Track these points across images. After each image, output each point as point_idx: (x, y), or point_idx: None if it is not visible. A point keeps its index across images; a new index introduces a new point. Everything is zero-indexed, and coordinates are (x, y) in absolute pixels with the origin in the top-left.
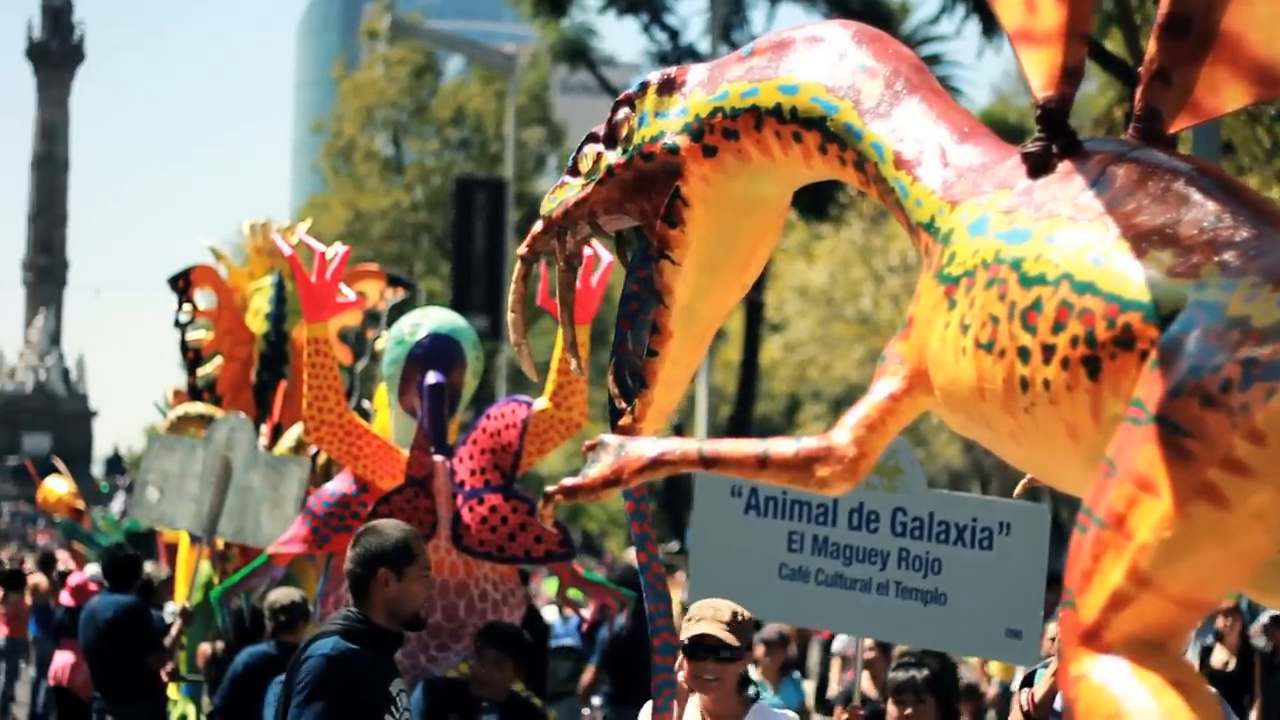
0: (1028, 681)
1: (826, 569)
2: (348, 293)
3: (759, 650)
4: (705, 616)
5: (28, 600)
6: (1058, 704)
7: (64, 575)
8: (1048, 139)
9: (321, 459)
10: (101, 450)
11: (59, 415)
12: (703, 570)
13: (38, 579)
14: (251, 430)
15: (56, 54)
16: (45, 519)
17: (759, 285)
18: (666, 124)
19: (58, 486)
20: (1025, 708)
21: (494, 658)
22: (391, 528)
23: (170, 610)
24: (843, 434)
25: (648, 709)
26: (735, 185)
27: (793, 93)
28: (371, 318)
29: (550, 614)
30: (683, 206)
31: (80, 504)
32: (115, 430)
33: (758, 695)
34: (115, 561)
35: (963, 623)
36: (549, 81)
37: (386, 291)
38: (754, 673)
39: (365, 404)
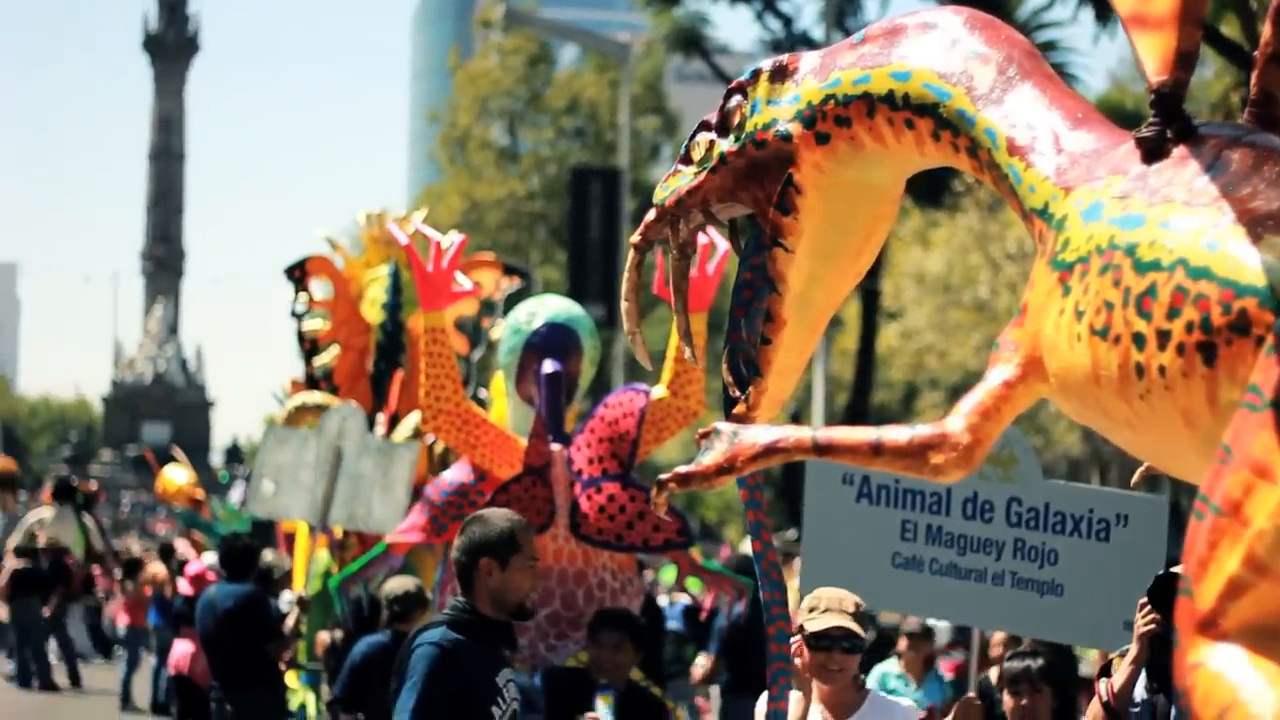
0: (1105, 671)
1: (941, 558)
2: (464, 282)
3: (902, 644)
4: (832, 608)
5: (148, 589)
6: (1138, 694)
7: (183, 564)
8: (1162, 124)
9: (439, 448)
10: (220, 440)
11: (178, 405)
12: (815, 558)
13: (156, 568)
14: (363, 419)
15: (172, 45)
16: (165, 508)
17: (875, 273)
18: (779, 111)
19: (177, 476)
20: (1104, 698)
21: (612, 641)
22: (498, 517)
23: (286, 599)
24: (957, 421)
25: (764, 699)
26: (848, 172)
27: (905, 79)
28: (487, 307)
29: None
30: (796, 194)
31: (199, 493)
32: (234, 420)
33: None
34: (232, 551)
35: (1079, 614)
36: (663, 70)
37: (502, 280)
38: (896, 666)
39: (482, 393)
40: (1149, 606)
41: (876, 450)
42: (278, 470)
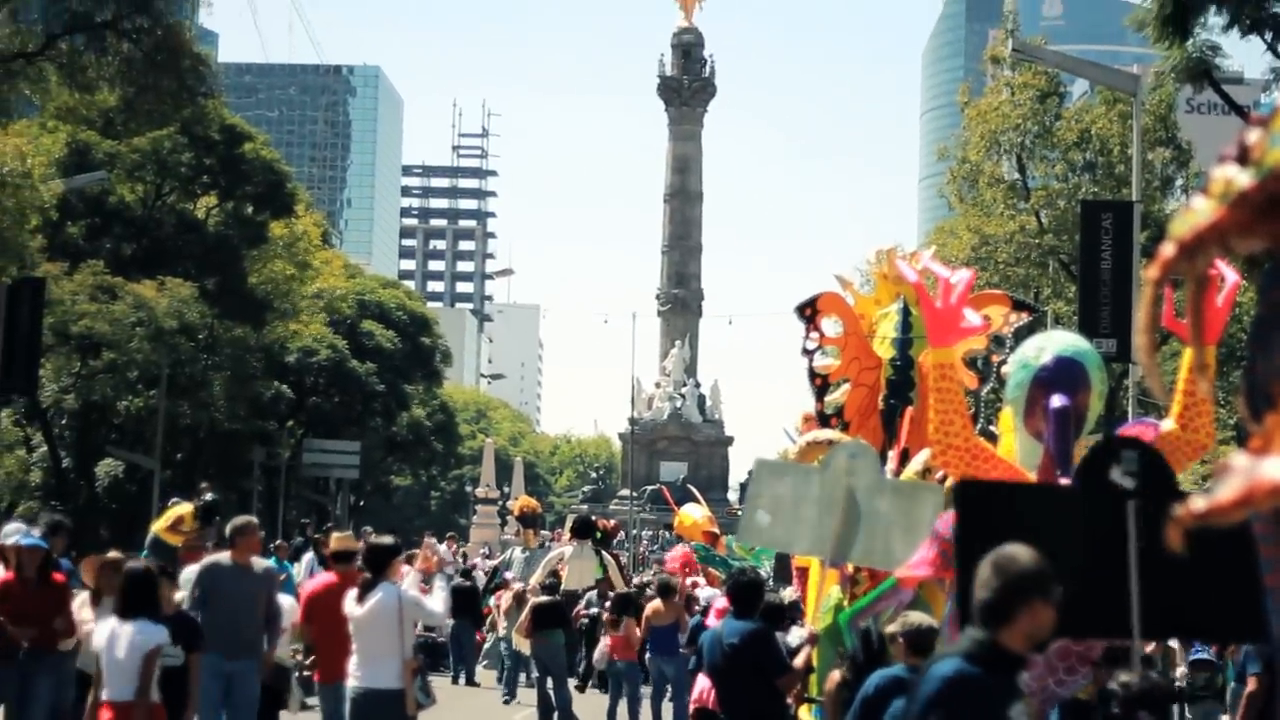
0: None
1: None
2: (972, 317)
3: None
4: None
5: (635, 625)
6: None
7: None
8: None
9: (948, 483)
10: (736, 476)
11: (695, 442)
12: None
13: (655, 603)
14: (874, 455)
15: (687, 89)
16: (682, 544)
17: None
18: None
19: (693, 512)
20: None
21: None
22: (1026, 555)
23: (796, 634)
24: None
25: None
26: None
27: None
28: (997, 342)
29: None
30: None
31: (715, 529)
32: (749, 457)
33: None
34: (738, 587)
35: None
36: (1174, 101)
37: (1011, 315)
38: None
39: (991, 428)
40: None
41: None
42: (774, 502)
